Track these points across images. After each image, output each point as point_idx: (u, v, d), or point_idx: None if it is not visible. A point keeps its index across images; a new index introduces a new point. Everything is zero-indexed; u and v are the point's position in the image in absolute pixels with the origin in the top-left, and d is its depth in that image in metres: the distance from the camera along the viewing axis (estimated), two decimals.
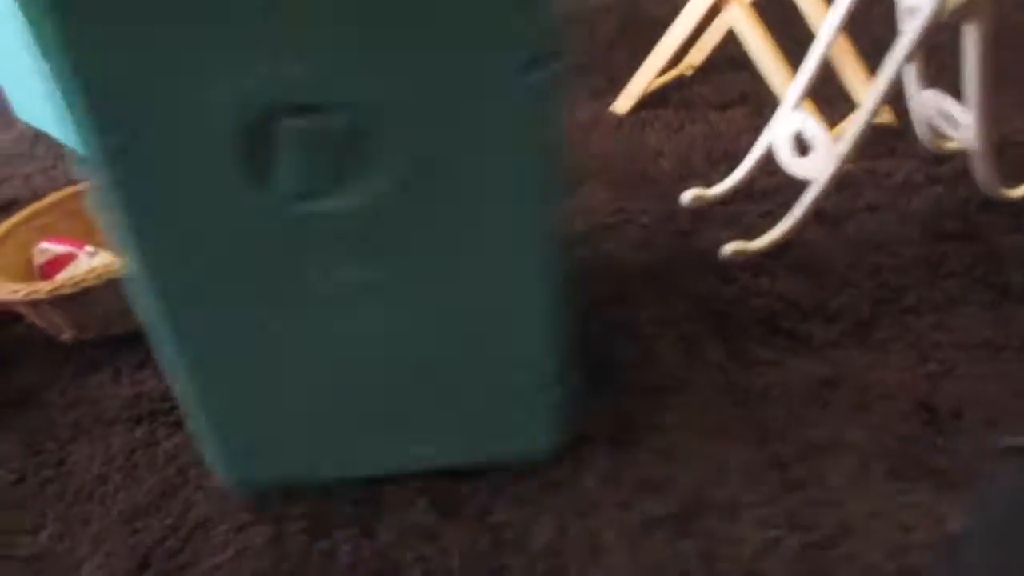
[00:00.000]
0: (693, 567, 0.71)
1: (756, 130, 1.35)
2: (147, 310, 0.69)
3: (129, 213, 0.65)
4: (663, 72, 1.47)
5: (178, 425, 0.90)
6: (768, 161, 1.15)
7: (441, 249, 0.64)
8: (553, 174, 0.61)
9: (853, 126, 1.01)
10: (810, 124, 1.05)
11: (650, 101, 1.46)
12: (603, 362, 0.93)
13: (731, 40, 1.49)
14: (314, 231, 0.64)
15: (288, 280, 0.67)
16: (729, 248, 1.07)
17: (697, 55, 1.53)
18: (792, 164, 1.07)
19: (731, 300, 1.00)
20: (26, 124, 1.63)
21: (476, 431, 0.77)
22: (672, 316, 0.98)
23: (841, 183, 1.07)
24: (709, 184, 1.20)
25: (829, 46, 1.06)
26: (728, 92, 1.48)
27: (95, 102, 0.60)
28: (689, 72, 1.54)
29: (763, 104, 1.43)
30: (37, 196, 1.35)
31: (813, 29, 1.31)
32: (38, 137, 1.57)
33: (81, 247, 1.04)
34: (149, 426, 0.90)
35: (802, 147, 1.09)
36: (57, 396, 0.95)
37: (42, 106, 1.51)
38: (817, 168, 1.04)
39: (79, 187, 1.12)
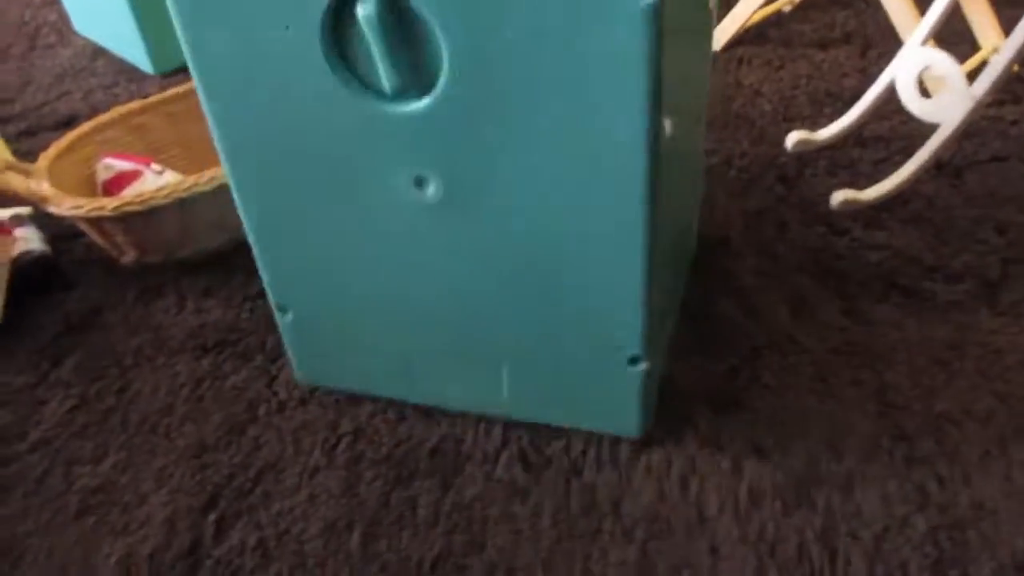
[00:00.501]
0: (810, 544, 0.64)
1: (862, 71, 1.25)
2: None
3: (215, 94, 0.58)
4: (761, 6, 1.35)
5: (246, 358, 0.85)
6: (882, 105, 1.05)
7: (528, 162, 0.57)
8: (650, 116, 0.52)
9: (993, 66, 0.90)
10: (942, 61, 0.95)
11: (746, 37, 1.35)
12: (702, 315, 0.85)
13: None
14: (396, 130, 0.57)
15: (369, 182, 0.61)
16: (839, 197, 0.97)
17: None
18: (918, 105, 0.97)
19: (843, 254, 0.91)
20: (86, 38, 1.57)
21: (560, 389, 0.71)
22: (778, 269, 0.90)
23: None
24: (813, 127, 1.11)
25: None
26: (830, 30, 1.37)
27: None
28: (788, 8, 1.42)
29: (868, 44, 1.32)
30: (96, 112, 1.29)
31: None
32: (98, 53, 1.51)
33: (148, 164, 0.98)
34: (216, 358, 0.85)
35: (924, 89, 0.99)
36: (119, 321, 0.91)
37: (104, 19, 1.46)
38: (948, 111, 0.94)
39: (146, 100, 1.06)
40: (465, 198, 0.60)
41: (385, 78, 0.54)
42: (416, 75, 0.55)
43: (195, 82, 0.60)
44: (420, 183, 0.60)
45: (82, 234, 0.99)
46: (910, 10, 1.14)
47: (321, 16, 0.53)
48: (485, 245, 0.62)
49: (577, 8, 0.48)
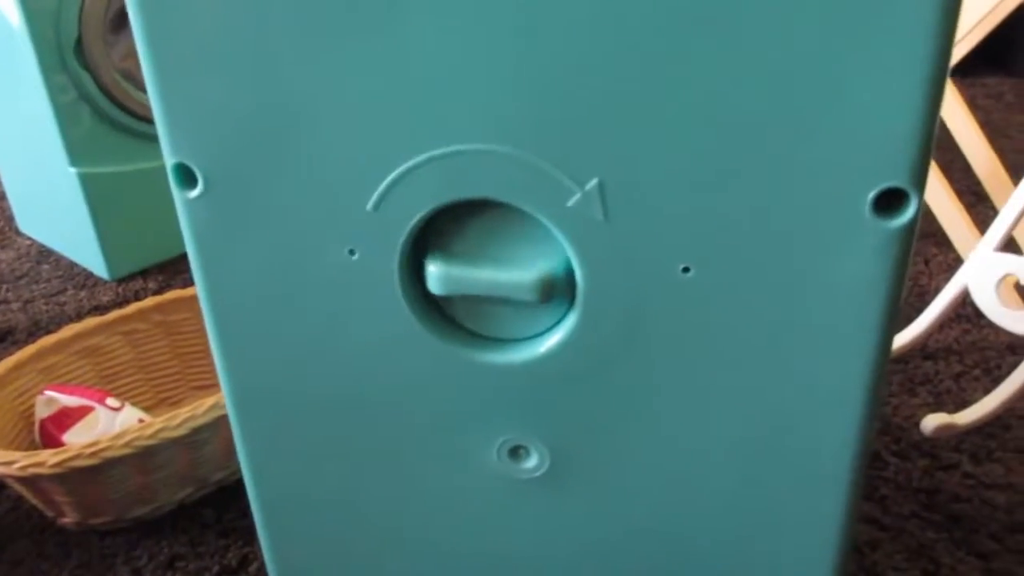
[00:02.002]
0: None
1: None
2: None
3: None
4: None
5: None
6: (950, 314, 0.94)
7: (680, 427, 0.41)
8: (877, 368, 0.38)
9: None
10: None
11: None
12: None
13: None
14: (491, 385, 0.41)
15: (441, 452, 0.44)
16: (932, 422, 0.83)
17: None
18: (1006, 317, 0.86)
19: (961, 496, 0.76)
20: (32, 239, 1.41)
21: None
22: (890, 517, 0.73)
23: None
24: None
25: None
26: None
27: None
28: None
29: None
30: (37, 326, 1.12)
31: (974, 166, 1.14)
32: (44, 255, 1.35)
33: (101, 399, 0.79)
34: None
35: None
36: None
37: (53, 216, 1.30)
38: None
39: (101, 318, 0.88)
40: (579, 475, 0.43)
41: (517, 289, 0.39)
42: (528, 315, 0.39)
43: (205, 314, 0.44)
44: (516, 453, 0.43)
45: (4, 486, 0.78)
46: (962, 214, 1.07)
47: (405, 237, 0.38)
48: (600, 538, 0.45)
49: (794, 225, 0.34)
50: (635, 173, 0.35)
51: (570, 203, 0.36)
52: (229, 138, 0.38)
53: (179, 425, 0.69)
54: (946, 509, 0.74)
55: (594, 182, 0.35)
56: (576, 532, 0.45)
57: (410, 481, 0.46)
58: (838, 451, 0.39)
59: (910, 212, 0.34)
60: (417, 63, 0.34)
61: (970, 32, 1.12)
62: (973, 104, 1.97)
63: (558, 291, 0.39)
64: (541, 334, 0.40)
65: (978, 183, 1.19)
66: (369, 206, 0.38)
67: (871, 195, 0.33)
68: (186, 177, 0.39)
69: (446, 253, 0.39)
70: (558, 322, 0.40)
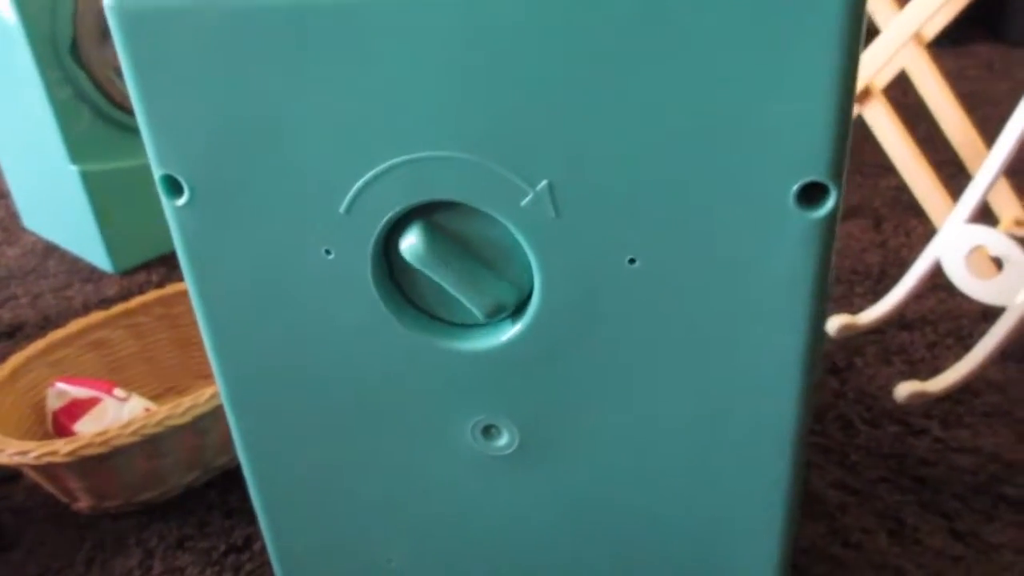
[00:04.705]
0: None
1: (881, 246, 1.19)
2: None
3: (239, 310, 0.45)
4: None
5: None
6: (924, 284, 0.97)
7: (637, 404, 0.44)
8: (809, 348, 0.41)
9: None
10: (998, 239, 0.88)
11: None
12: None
13: None
14: (463, 370, 0.45)
15: (419, 432, 0.48)
16: (904, 390, 0.87)
17: None
18: (975, 288, 0.89)
19: (929, 459, 0.79)
20: (36, 235, 1.44)
21: None
22: (860, 482, 0.77)
23: None
24: (850, 308, 1.02)
25: (1010, 155, 0.90)
26: None
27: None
28: None
29: (879, 216, 1.27)
30: (47, 320, 1.16)
31: (949, 137, 1.16)
32: (50, 250, 1.39)
33: (109, 390, 0.83)
34: None
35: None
36: None
37: (58, 213, 1.34)
38: (1012, 293, 0.86)
39: (107, 312, 0.92)
40: (547, 451, 0.47)
41: (471, 303, 0.42)
42: (491, 298, 0.43)
43: (197, 312, 0.47)
44: (489, 432, 0.47)
45: (22, 475, 0.82)
46: (935, 183, 1.09)
47: (375, 237, 0.41)
48: (567, 510, 0.48)
49: (728, 217, 0.38)
50: (581, 175, 0.38)
51: (523, 203, 0.39)
52: (210, 151, 0.41)
53: (183, 413, 0.73)
54: (914, 472, 0.78)
55: (544, 183, 0.39)
56: (545, 503, 0.48)
57: (393, 461, 0.50)
58: (778, 422, 0.42)
59: (830, 203, 0.37)
60: (377, 80, 0.37)
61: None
62: (962, 74, 1.98)
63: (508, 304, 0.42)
64: (505, 320, 0.44)
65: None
66: (342, 209, 0.41)
67: (794, 189, 0.37)
68: (173, 187, 0.43)
69: (425, 233, 0.42)
70: (520, 310, 0.43)
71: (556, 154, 0.38)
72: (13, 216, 1.51)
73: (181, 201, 0.43)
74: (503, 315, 0.43)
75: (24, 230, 1.48)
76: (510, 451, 0.47)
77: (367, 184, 0.40)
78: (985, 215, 1.14)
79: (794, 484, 0.44)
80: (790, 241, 0.38)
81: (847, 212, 1.30)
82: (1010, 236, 1.03)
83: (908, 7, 1.05)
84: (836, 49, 0.33)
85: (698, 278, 0.40)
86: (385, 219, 0.41)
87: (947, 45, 2.23)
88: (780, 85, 0.34)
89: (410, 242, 0.41)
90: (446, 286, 0.42)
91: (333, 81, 0.38)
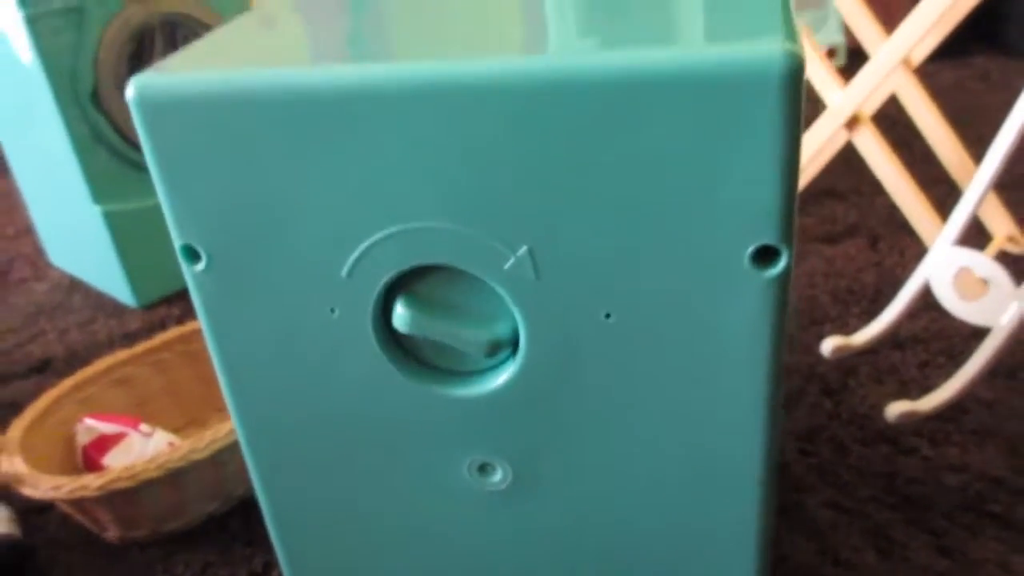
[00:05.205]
0: None
1: (877, 265, 1.22)
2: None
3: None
4: None
5: None
6: (915, 305, 1.00)
7: (618, 445, 0.48)
8: (770, 391, 0.45)
9: None
10: (982, 262, 0.91)
11: None
12: (779, 560, 0.74)
13: (827, 170, 1.37)
14: (458, 413, 0.49)
15: (420, 470, 0.53)
16: (895, 410, 0.90)
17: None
18: (961, 309, 0.92)
19: (918, 478, 0.82)
20: (62, 271, 1.50)
21: None
22: (850, 501, 0.80)
23: None
24: (844, 329, 1.05)
25: (992, 180, 0.93)
26: (833, 224, 1.35)
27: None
28: None
29: (875, 236, 1.30)
30: (74, 354, 1.21)
31: (940, 158, 1.19)
32: (75, 286, 1.44)
33: (135, 425, 0.88)
34: None
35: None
36: None
37: (81, 249, 1.39)
38: (997, 314, 0.89)
39: (132, 350, 0.97)
40: (537, 486, 0.51)
41: (467, 350, 0.46)
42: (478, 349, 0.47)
43: (215, 362, 0.52)
44: (484, 470, 0.51)
45: (54, 506, 0.87)
46: (924, 205, 1.12)
47: (375, 297, 0.46)
48: (558, 539, 0.52)
49: (690, 277, 0.42)
50: (557, 242, 0.42)
51: (506, 266, 0.43)
52: (224, 224, 0.45)
53: (204, 448, 0.78)
54: (903, 491, 0.81)
55: (524, 249, 0.43)
56: (536, 533, 0.52)
57: (397, 496, 0.54)
58: (744, 459, 0.46)
59: (782, 264, 0.41)
60: (372, 162, 0.42)
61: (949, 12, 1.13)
62: (960, 85, 2.00)
63: (504, 346, 0.46)
64: (494, 369, 0.48)
65: None
66: (344, 273, 0.46)
67: (749, 252, 0.41)
68: (191, 255, 0.47)
69: (412, 300, 0.46)
70: (508, 359, 0.47)
71: (535, 224, 0.42)
72: (40, 252, 1.57)
73: (199, 267, 0.48)
74: (503, 352, 0.47)
75: (50, 266, 1.53)
76: (504, 486, 0.51)
77: (366, 250, 0.45)
78: (979, 232, 1.17)
79: (764, 514, 0.48)
80: (748, 297, 0.42)
81: (845, 231, 1.33)
82: (1001, 254, 1.07)
83: (896, 34, 1.09)
84: (778, 135, 0.37)
85: (668, 331, 0.44)
86: (383, 281, 0.45)
87: (945, 56, 2.25)
88: (732, 167, 0.38)
89: (399, 313, 0.45)
90: (440, 340, 0.46)
91: (333, 162, 0.42)
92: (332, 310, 0.47)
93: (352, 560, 0.58)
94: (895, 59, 1.07)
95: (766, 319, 0.42)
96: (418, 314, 0.46)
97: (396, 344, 0.48)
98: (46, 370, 1.18)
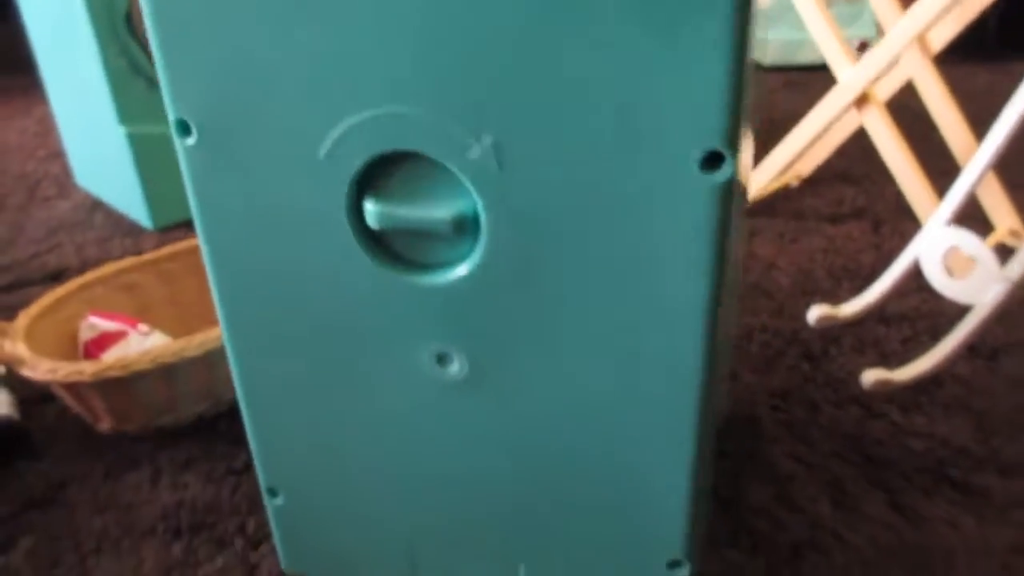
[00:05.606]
0: None
1: (876, 247, 1.23)
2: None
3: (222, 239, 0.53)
4: (770, 182, 1.36)
5: (223, 543, 0.75)
6: (902, 282, 1.01)
7: (567, 341, 0.50)
8: (711, 291, 0.47)
9: None
10: (971, 243, 0.92)
11: (756, 209, 1.35)
12: (736, 504, 0.77)
13: (837, 152, 1.38)
14: (421, 303, 0.52)
15: (384, 358, 0.55)
16: (871, 376, 0.92)
17: (805, 165, 1.42)
18: (947, 286, 0.93)
19: (883, 440, 0.84)
20: (87, 191, 1.55)
21: None
22: (814, 455, 0.82)
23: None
24: (833, 302, 1.07)
25: (991, 161, 0.94)
26: (840, 206, 1.36)
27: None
28: (795, 183, 1.43)
29: (879, 220, 1.31)
30: (87, 267, 1.26)
31: (950, 145, 1.20)
32: (97, 206, 1.49)
33: (134, 325, 0.92)
34: (190, 542, 0.75)
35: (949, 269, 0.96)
36: (86, 497, 0.81)
37: (105, 172, 1.44)
38: (981, 293, 0.90)
39: (140, 258, 1.01)
40: (491, 377, 0.53)
41: (435, 228, 0.49)
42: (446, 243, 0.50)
43: (200, 238, 0.55)
44: (442, 360, 0.54)
45: (55, 398, 0.91)
46: (925, 187, 1.13)
47: (348, 184, 0.49)
48: (510, 429, 0.55)
49: (643, 178, 0.44)
50: (520, 134, 0.45)
51: (471, 156, 0.46)
52: (213, 97, 0.48)
53: (196, 347, 0.82)
54: (866, 451, 0.83)
55: (489, 139, 0.45)
56: (487, 426, 0.55)
57: (363, 384, 0.57)
58: (686, 360, 0.48)
59: (728, 170, 0.43)
60: (347, 42, 0.45)
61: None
62: (992, 90, 1.99)
63: (468, 226, 0.49)
64: (458, 261, 0.51)
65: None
66: (321, 155, 0.49)
67: (697, 156, 0.43)
68: (184, 129, 0.51)
69: (381, 194, 0.49)
70: (470, 251, 0.50)
71: (499, 113, 0.44)
72: (68, 173, 1.62)
73: (190, 141, 0.51)
74: (468, 229, 0.49)
75: (76, 187, 1.59)
76: (460, 378, 0.54)
77: (342, 134, 0.47)
78: (983, 224, 1.18)
79: (703, 419, 0.51)
80: (695, 200, 0.44)
81: (850, 214, 1.34)
82: (999, 246, 1.08)
83: (911, 10, 1.09)
84: (726, 43, 0.39)
85: (619, 230, 0.46)
86: (357, 165, 0.48)
87: (983, 60, 2.23)
88: (683, 72, 0.40)
89: (370, 210, 0.49)
90: (409, 227, 0.49)
91: (309, 40, 0.45)
92: (309, 193, 0.50)
93: (318, 444, 0.61)
94: (908, 35, 1.07)
95: (712, 222, 0.44)
96: (387, 206, 0.49)
97: (369, 236, 0.51)
98: (60, 277, 1.23)
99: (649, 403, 0.51)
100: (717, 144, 0.42)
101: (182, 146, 0.51)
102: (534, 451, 0.56)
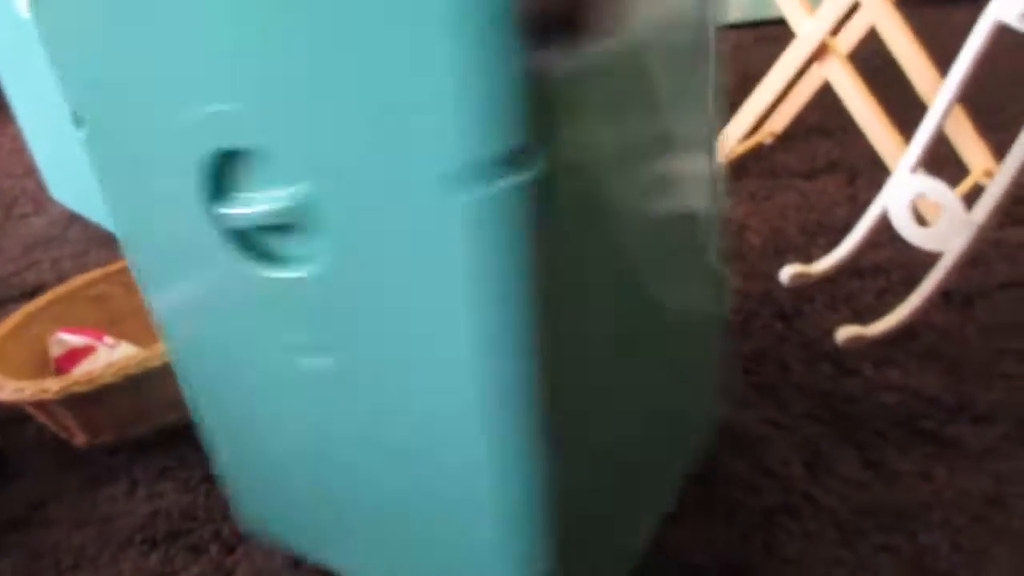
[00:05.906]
0: None
1: (851, 200, 1.22)
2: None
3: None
4: (742, 140, 1.34)
5: (199, 550, 0.75)
6: (875, 233, 1.00)
7: (388, 339, 0.50)
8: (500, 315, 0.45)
9: (991, 191, 0.86)
10: (936, 189, 0.90)
11: (728, 171, 1.33)
12: (707, 472, 0.76)
13: (811, 106, 1.36)
14: (276, 295, 0.52)
15: (243, 339, 0.57)
16: (844, 333, 0.91)
17: (777, 122, 1.40)
18: (915, 235, 0.92)
19: (856, 397, 0.84)
20: (62, 206, 1.55)
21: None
22: (787, 416, 0.82)
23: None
24: (807, 259, 1.06)
25: (951, 103, 0.92)
26: (815, 160, 1.35)
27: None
28: (769, 140, 1.41)
29: (855, 173, 1.30)
30: (64, 282, 1.25)
31: (916, 87, 1.18)
32: (73, 219, 1.49)
33: (100, 338, 0.92)
34: (166, 552, 0.76)
35: (919, 216, 0.95)
36: (64, 513, 0.82)
37: (79, 184, 1.43)
38: (948, 239, 0.89)
39: (106, 269, 1.01)
40: (345, 373, 0.53)
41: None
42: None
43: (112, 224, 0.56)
44: (300, 350, 0.54)
45: (31, 418, 0.91)
46: (893, 136, 1.11)
47: (204, 179, 0.49)
48: (360, 430, 0.55)
49: (410, 195, 0.43)
50: (311, 140, 0.44)
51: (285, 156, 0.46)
52: (91, 93, 0.50)
53: (161, 356, 0.81)
54: (839, 408, 0.82)
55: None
56: (346, 412, 0.55)
57: (255, 377, 0.58)
58: (503, 375, 0.47)
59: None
60: (174, 48, 0.45)
61: None
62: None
63: (302, 225, 0.48)
64: (307, 260, 0.50)
65: None
66: (174, 150, 0.49)
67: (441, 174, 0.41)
68: (78, 121, 0.51)
69: (230, 191, 0.49)
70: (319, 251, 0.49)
71: (307, 123, 0.44)
72: (43, 189, 1.62)
73: (82, 133, 0.51)
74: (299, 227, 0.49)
75: (52, 201, 1.58)
76: (323, 366, 0.53)
77: (183, 130, 0.47)
78: (957, 165, 1.16)
79: (541, 435, 0.49)
80: (448, 224, 0.42)
81: (824, 167, 1.32)
82: (974, 186, 1.06)
83: None
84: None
85: (404, 244, 0.45)
86: (204, 162, 0.48)
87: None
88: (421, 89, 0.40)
89: (222, 214, 0.49)
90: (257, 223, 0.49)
91: (146, 41, 0.46)
92: (175, 189, 0.50)
93: (232, 416, 0.63)
94: None
95: (477, 247, 0.43)
96: (232, 204, 0.49)
97: (231, 230, 0.51)
98: (36, 295, 1.23)
99: (467, 417, 0.49)
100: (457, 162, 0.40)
101: (79, 136, 0.52)
102: (379, 445, 0.55)
